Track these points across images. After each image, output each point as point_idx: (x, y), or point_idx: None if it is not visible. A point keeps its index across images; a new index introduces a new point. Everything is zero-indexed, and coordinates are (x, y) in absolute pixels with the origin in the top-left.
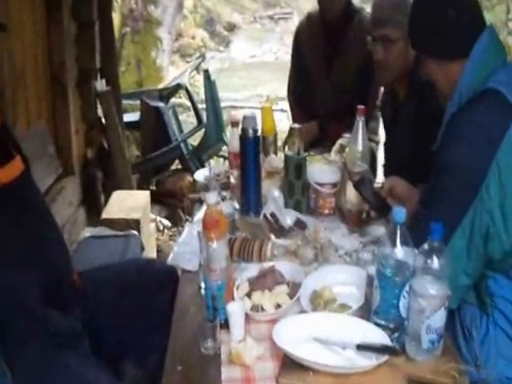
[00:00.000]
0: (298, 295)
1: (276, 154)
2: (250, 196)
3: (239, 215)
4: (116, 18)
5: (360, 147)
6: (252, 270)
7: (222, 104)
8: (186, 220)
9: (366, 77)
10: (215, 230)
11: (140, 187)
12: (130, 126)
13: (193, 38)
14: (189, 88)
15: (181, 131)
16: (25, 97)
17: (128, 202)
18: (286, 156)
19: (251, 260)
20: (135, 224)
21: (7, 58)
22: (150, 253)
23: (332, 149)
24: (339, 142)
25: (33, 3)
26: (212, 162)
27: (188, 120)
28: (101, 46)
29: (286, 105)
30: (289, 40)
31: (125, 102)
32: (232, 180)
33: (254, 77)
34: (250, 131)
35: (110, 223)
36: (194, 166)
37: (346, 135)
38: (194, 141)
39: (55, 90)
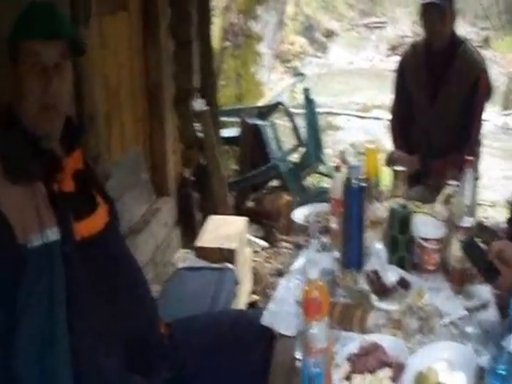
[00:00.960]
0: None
1: (378, 198)
2: (351, 249)
3: (340, 268)
4: (216, 32)
5: (467, 200)
6: (352, 344)
7: (320, 110)
8: (282, 240)
9: (470, 109)
10: (316, 313)
11: (237, 205)
12: (229, 141)
13: (292, 44)
14: (288, 107)
15: (279, 148)
16: (119, 119)
17: (224, 229)
18: (391, 209)
19: (351, 329)
20: (230, 254)
21: (101, 78)
22: (245, 282)
23: (436, 198)
24: (445, 191)
25: (129, 20)
26: (310, 179)
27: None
28: (199, 64)
29: (380, 113)
30: (383, 48)
31: (224, 118)
32: (333, 225)
33: (350, 83)
34: (355, 181)
35: (205, 252)
36: (292, 184)
37: (452, 182)
38: (292, 157)
39: (152, 110)
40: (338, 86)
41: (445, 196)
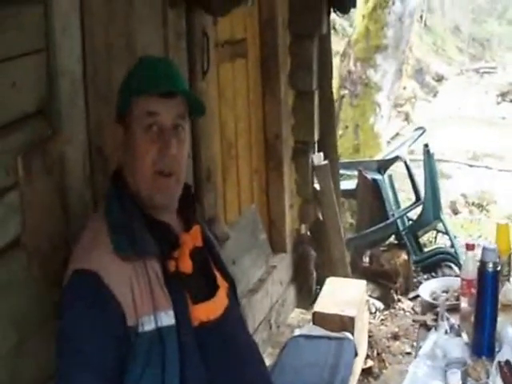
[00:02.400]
0: None
1: (510, 279)
2: (483, 337)
3: (470, 355)
4: (334, 80)
5: None
6: None
7: None
8: (399, 301)
9: None
10: None
11: (353, 263)
12: (346, 193)
13: (404, 88)
14: (407, 161)
15: (397, 202)
16: (236, 174)
17: (343, 293)
18: None
19: None
20: (350, 322)
21: (218, 129)
22: (361, 348)
23: None
24: None
25: (247, 68)
26: (427, 236)
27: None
28: (320, 116)
29: (490, 162)
30: (493, 94)
31: (342, 171)
32: (463, 305)
33: (460, 129)
34: (490, 265)
35: (323, 318)
36: (409, 242)
37: None
38: (410, 214)
39: (269, 163)
40: (447, 132)
41: None
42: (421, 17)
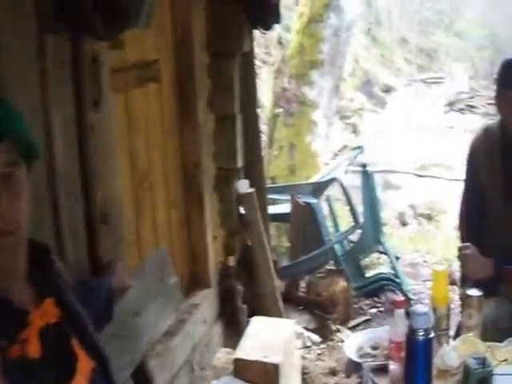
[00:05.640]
0: None
1: (448, 338)
2: None
3: None
4: (268, 97)
5: None
6: None
7: (377, 168)
8: (338, 331)
9: None
10: None
11: (288, 293)
12: (282, 218)
13: (351, 100)
14: (344, 183)
15: (336, 226)
16: (151, 209)
17: (268, 336)
18: (465, 366)
19: None
20: (274, 370)
21: (129, 164)
22: None
23: None
24: None
25: (159, 95)
26: (368, 260)
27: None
28: (244, 141)
29: (439, 171)
30: (440, 104)
31: (275, 196)
32: (392, 367)
33: (408, 140)
34: (421, 332)
35: (244, 366)
36: (348, 267)
37: None
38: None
39: (189, 193)
40: (396, 143)
41: None
42: (368, 29)
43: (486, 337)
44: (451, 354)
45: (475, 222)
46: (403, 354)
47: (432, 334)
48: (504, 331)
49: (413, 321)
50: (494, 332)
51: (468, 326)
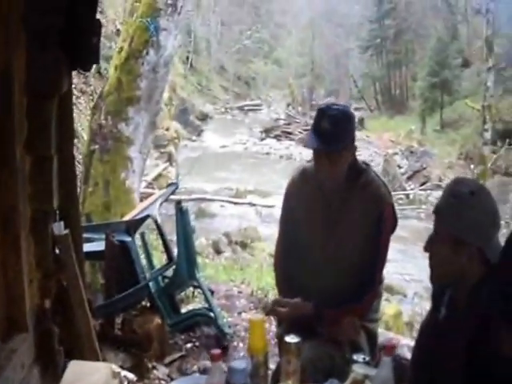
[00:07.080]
0: None
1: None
2: None
3: None
4: (85, 133)
5: None
6: None
7: (193, 196)
8: (154, 368)
9: (371, 251)
10: None
11: (103, 332)
12: (96, 255)
13: (167, 129)
14: (158, 220)
15: (150, 263)
16: None
17: (85, 381)
18: None
19: None
20: None
21: None
22: None
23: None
24: (352, 375)
25: None
26: (183, 294)
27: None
28: (60, 183)
29: (254, 198)
30: (257, 131)
31: (89, 235)
32: None
33: (223, 167)
34: None
35: None
36: (163, 305)
37: (359, 358)
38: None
39: (5, 237)
40: (211, 171)
41: (352, 380)
42: (187, 58)
43: (305, 377)
44: None
45: (291, 264)
46: None
47: None
48: (323, 371)
49: (230, 375)
50: (313, 372)
51: (287, 372)
